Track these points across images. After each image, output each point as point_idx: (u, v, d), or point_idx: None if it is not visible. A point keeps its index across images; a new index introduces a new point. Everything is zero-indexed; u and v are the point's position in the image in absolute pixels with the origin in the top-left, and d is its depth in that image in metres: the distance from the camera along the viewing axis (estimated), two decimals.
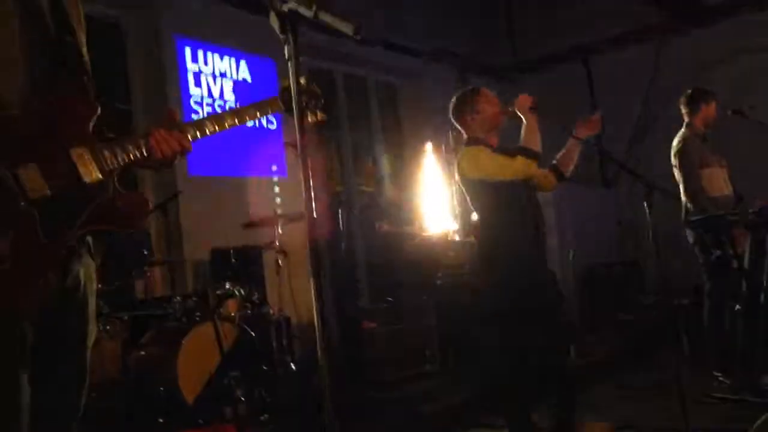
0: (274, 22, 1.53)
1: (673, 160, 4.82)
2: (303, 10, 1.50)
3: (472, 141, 3.63)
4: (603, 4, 8.13)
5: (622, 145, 8.10)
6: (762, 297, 4.33)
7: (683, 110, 4.90)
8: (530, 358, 3.51)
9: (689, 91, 4.95)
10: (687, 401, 3.21)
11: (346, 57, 7.31)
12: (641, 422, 4.10)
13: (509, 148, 3.53)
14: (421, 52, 7.95)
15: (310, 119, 1.83)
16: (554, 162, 3.71)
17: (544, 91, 7.26)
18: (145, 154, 1.70)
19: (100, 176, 1.61)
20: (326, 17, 1.48)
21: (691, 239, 4.64)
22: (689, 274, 5.18)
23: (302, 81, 1.59)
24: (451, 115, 3.71)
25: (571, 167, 3.70)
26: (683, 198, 4.71)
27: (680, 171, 4.75)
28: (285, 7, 1.53)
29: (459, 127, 3.71)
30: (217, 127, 1.82)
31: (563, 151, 3.68)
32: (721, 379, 4.55)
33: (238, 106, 6.79)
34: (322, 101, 1.89)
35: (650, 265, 3.48)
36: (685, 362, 3.46)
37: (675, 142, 4.85)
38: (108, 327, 4.06)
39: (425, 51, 7.97)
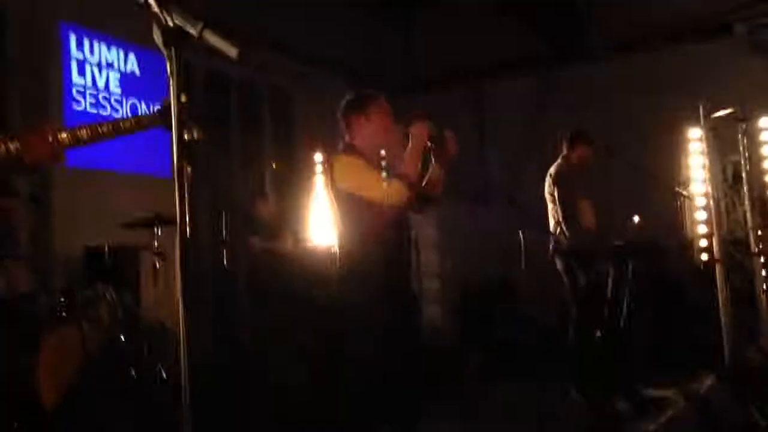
0: (157, 36, 1.46)
1: (549, 188, 5.01)
2: (189, 28, 1.44)
3: (349, 149, 3.34)
4: (500, 34, 8.42)
5: (504, 170, 8.43)
6: (621, 323, 4.63)
7: (563, 146, 5.13)
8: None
9: (569, 132, 5.15)
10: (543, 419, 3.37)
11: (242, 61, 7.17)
12: None
13: (390, 167, 3.40)
14: (317, 60, 7.94)
15: (186, 137, 1.75)
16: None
17: (434, 112, 7.47)
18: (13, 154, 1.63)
19: None
20: (211, 38, 1.43)
21: (560, 267, 4.86)
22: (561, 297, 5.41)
23: (183, 98, 1.54)
24: (339, 113, 3.39)
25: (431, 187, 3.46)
26: (552, 227, 4.92)
27: (558, 199, 4.91)
28: (170, 22, 1.46)
29: (343, 128, 3.38)
30: (92, 137, 1.76)
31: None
32: (578, 399, 4.78)
33: (123, 99, 6.50)
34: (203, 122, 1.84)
35: (525, 288, 3.64)
36: (545, 381, 3.62)
37: (552, 171, 5.03)
38: None
39: (320, 59, 7.97)
